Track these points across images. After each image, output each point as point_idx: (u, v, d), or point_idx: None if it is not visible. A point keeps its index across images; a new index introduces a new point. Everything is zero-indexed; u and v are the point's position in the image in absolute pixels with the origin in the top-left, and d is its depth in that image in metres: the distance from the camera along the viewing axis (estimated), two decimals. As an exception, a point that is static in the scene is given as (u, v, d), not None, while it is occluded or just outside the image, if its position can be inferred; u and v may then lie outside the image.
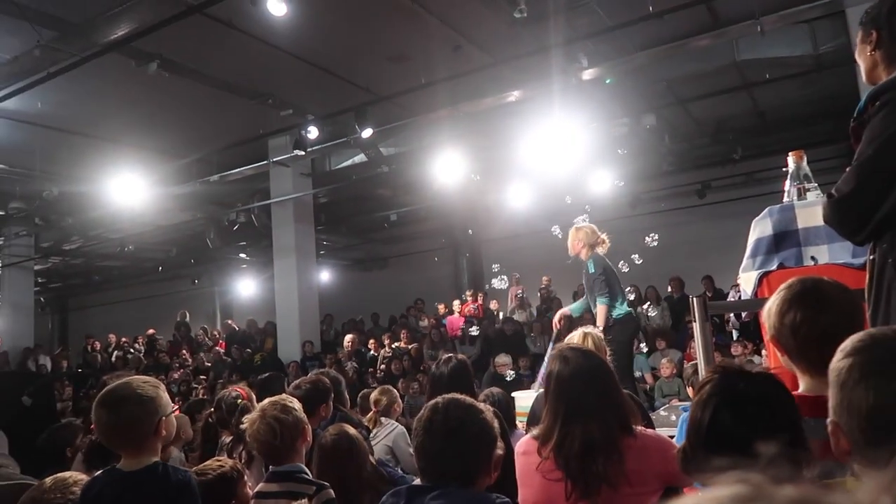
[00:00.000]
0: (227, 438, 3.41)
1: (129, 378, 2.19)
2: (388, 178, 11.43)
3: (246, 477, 2.60)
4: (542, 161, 9.49)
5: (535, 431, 2.20)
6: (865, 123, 1.91)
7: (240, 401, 3.41)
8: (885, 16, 1.95)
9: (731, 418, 1.33)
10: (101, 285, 19.35)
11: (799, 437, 1.33)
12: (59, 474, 2.22)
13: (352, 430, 2.94)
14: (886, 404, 1.06)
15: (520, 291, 12.32)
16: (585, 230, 5.55)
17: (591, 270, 5.36)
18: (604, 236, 5.53)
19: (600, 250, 5.49)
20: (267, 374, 4.30)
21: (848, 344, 1.19)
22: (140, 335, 14.98)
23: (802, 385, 1.60)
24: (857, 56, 2.08)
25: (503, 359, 9.12)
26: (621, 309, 5.37)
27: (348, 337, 11.71)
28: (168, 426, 2.15)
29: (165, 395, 2.17)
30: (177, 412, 3.25)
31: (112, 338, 14.94)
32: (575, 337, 3.36)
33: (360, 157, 11.30)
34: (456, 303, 12.51)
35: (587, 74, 7.75)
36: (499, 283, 7.65)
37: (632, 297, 9.16)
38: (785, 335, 1.59)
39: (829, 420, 1.16)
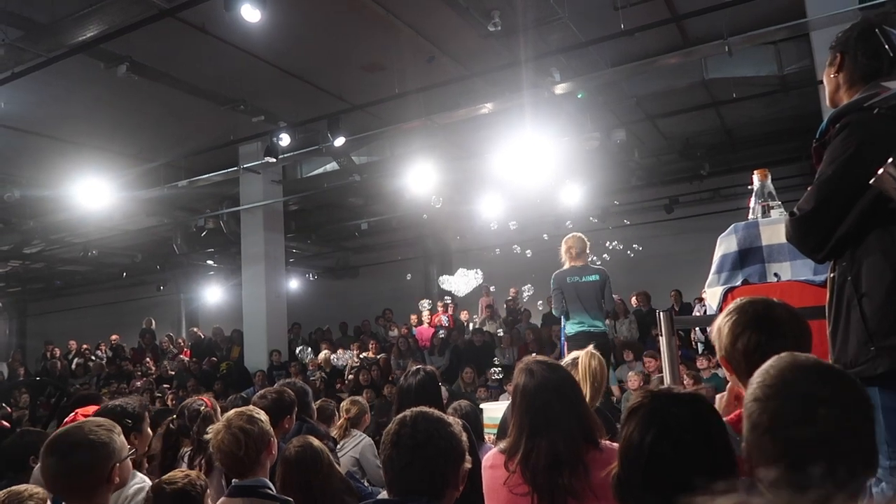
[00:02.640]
0: (186, 449, 3.34)
1: (83, 421, 2.11)
2: (360, 186, 11.39)
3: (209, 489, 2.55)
4: (514, 173, 9.55)
5: (501, 445, 2.20)
6: (826, 144, 1.96)
7: (203, 408, 3.34)
8: (853, 40, 2.01)
9: (671, 447, 1.32)
10: (63, 290, 18.89)
11: (730, 458, 1.35)
12: (13, 487, 2.14)
13: (316, 443, 2.90)
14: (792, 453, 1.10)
15: (490, 302, 12.36)
16: (564, 242, 5.65)
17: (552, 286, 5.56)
18: (568, 246, 5.56)
19: (566, 265, 5.57)
20: (231, 399, 4.22)
21: (757, 385, 1.20)
22: (102, 342, 14.64)
23: None
24: (823, 78, 2.14)
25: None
26: (572, 328, 5.50)
27: (324, 353, 11.48)
28: (122, 472, 2.06)
29: (120, 439, 2.08)
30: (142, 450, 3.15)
31: (72, 344, 14.56)
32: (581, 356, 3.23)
33: (331, 166, 11.25)
34: (425, 313, 12.47)
35: (559, 89, 7.83)
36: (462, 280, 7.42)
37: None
38: (736, 358, 1.63)
39: (743, 445, 1.20)
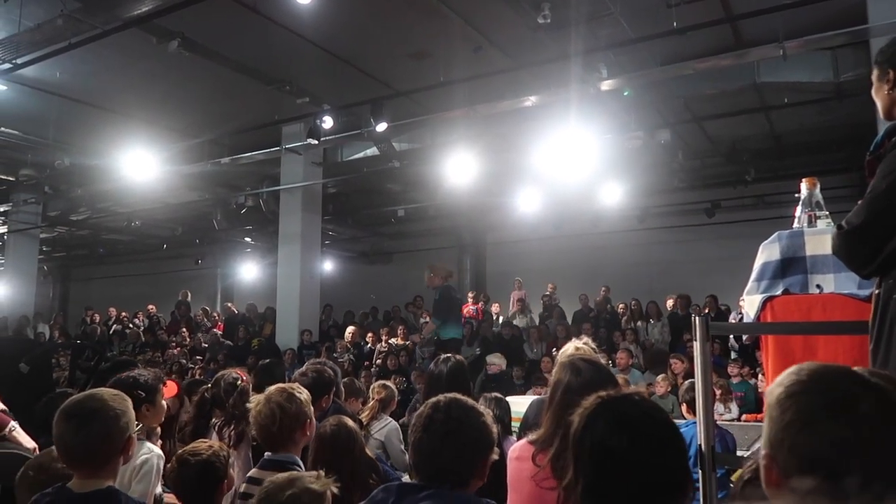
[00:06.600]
0: (216, 420, 3.41)
1: (98, 390, 2.07)
2: (399, 173, 11.44)
3: (232, 458, 2.61)
4: (554, 168, 9.49)
5: (532, 436, 2.18)
6: (881, 158, 1.91)
7: (239, 382, 3.41)
8: None
9: (648, 448, 1.30)
10: (105, 258, 19.42)
11: (686, 458, 1.36)
12: (51, 448, 2.22)
13: (351, 423, 2.95)
14: (827, 451, 0.95)
15: (522, 296, 12.33)
16: (439, 267, 7.68)
17: (437, 298, 7.31)
18: (451, 270, 7.73)
19: (452, 282, 7.46)
20: (268, 360, 4.27)
21: (787, 379, 1.04)
22: (140, 311, 15.03)
23: None
24: (873, 94, 2.09)
25: (495, 359, 9.07)
26: (449, 333, 7.28)
27: (350, 329, 11.66)
28: (133, 446, 2.01)
29: (132, 411, 2.03)
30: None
31: (112, 311, 14.97)
32: (570, 348, 3.30)
33: (372, 151, 11.31)
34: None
35: (606, 85, 7.72)
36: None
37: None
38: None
39: (762, 452, 1.01)
